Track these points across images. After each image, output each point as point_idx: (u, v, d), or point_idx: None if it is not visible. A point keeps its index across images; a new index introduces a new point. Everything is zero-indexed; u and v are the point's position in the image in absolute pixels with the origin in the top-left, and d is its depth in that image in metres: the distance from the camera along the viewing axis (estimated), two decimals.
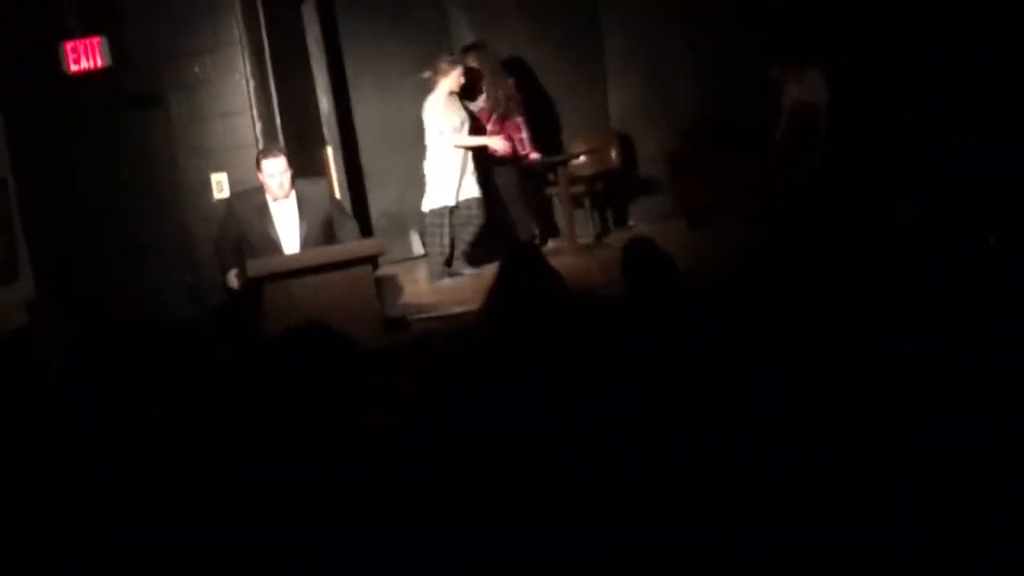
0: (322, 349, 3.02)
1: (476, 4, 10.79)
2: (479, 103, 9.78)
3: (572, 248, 9.65)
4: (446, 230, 9.34)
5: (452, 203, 9.32)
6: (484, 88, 9.79)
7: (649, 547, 2.65)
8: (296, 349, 3.03)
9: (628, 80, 10.83)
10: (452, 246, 9.42)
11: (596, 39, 10.86)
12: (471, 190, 9.40)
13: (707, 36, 10.34)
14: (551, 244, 10.08)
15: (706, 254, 7.66)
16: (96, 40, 8.83)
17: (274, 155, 7.47)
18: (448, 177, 9.30)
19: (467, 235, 9.38)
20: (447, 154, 9.29)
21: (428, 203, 9.39)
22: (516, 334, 3.97)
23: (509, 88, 9.81)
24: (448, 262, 9.42)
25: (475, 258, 9.37)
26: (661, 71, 10.62)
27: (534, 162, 9.88)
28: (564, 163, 9.86)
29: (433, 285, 9.33)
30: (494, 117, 9.76)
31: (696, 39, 10.44)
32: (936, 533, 2.62)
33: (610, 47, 10.84)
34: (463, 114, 9.44)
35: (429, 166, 9.37)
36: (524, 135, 9.80)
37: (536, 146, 9.89)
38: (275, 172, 7.34)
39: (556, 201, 10.23)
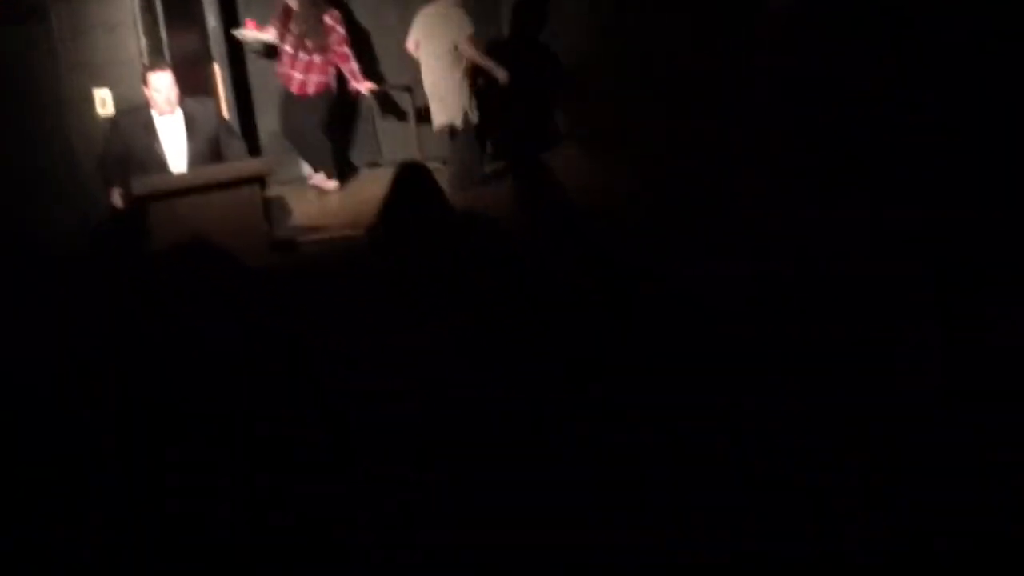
0: (206, 267, 2.99)
1: None
2: (292, 35, 9.69)
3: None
4: (472, 145, 9.47)
5: (473, 118, 9.46)
6: (297, 20, 9.67)
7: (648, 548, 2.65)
8: (180, 266, 3.00)
9: None
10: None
11: None
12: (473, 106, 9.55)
13: None
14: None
15: (598, 180, 7.70)
16: None
17: (161, 68, 7.48)
18: (465, 90, 9.42)
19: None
20: (459, 69, 9.40)
21: (450, 121, 9.48)
22: (405, 256, 3.96)
23: (325, 22, 9.64)
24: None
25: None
26: None
27: (370, 90, 9.96)
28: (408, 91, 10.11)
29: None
30: (308, 47, 9.65)
31: None
32: (936, 533, 2.63)
33: None
34: None
35: (446, 82, 9.46)
36: (353, 65, 9.72)
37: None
38: (161, 87, 7.34)
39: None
